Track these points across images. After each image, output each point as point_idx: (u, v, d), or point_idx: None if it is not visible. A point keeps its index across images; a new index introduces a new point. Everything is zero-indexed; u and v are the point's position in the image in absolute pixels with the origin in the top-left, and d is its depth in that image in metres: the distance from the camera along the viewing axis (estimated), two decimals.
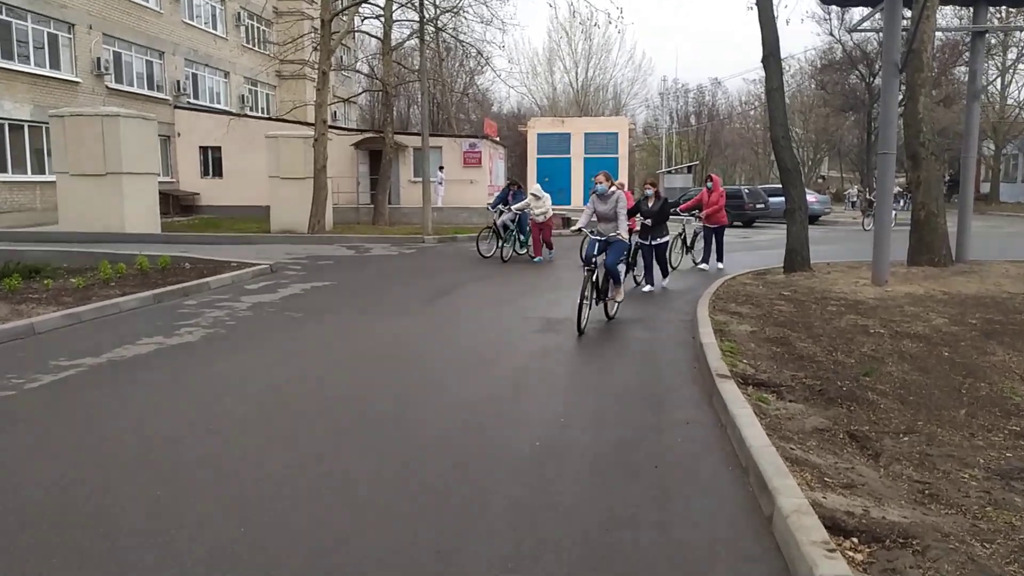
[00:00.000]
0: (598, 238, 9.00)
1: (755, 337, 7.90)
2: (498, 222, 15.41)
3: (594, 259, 8.58)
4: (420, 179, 23.76)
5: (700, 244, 14.75)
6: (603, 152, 37.05)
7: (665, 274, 11.95)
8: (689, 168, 47.71)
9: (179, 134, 30.03)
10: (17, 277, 10.27)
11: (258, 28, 37.30)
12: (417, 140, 26.80)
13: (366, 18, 26.86)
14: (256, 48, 36.62)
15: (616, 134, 37.62)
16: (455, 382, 6.47)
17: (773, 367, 6.69)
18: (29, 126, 22.70)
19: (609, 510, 3.94)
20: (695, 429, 5.21)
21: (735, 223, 28.44)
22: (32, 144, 23.00)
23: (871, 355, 7.07)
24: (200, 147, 30.07)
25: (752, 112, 60.21)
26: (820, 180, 23.49)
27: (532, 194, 15.51)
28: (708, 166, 63.10)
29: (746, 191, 29.98)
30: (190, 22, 31.18)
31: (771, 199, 28.56)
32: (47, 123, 20.48)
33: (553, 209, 20.91)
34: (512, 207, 15.62)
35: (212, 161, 30.40)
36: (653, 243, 11.52)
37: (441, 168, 29.56)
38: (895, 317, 8.84)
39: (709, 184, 14.14)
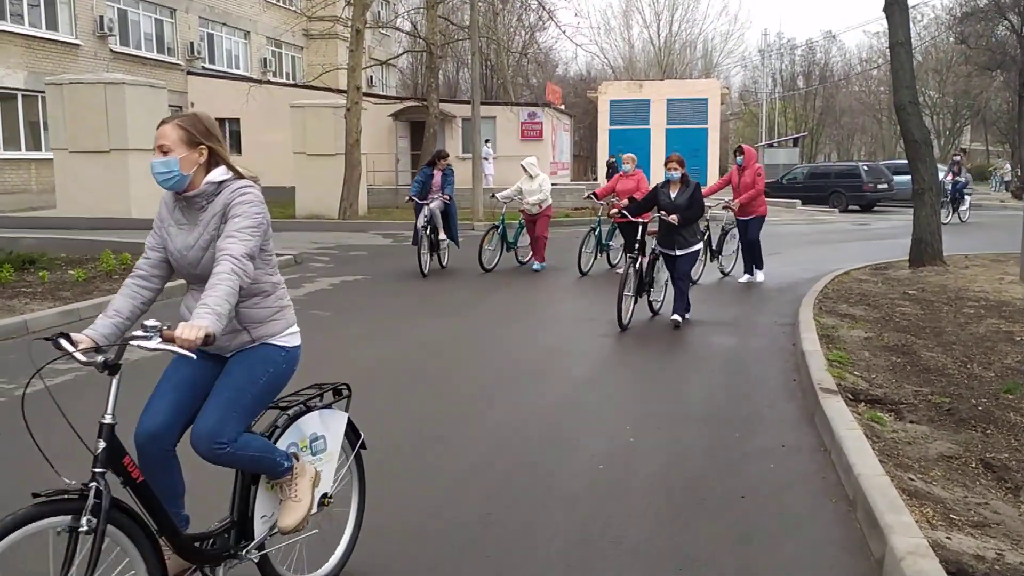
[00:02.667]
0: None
1: (870, 344, 7.77)
2: (418, 223, 12.66)
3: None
4: (470, 155, 23.95)
5: (732, 245, 12.72)
6: (689, 122, 36.69)
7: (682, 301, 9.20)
8: (795, 141, 46.98)
9: (192, 104, 30.89)
10: (8, 268, 10.73)
11: None
12: (466, 109, 26.96)
13: None
14: (281, 4, 37.42)
15: (705, 100, 37.20)
16: (500, 398, 6.53)
17: (891, 381, 6.57)
18: (23, 95, 23.67)
19: (682, 549, 3.93)
20: (791, 454, 5.16)
21: (851, 206, 28.01)
22: (26, 116, 23.98)
23: (1016, 368, 6.88)
24: (216, 119, 30.77)
25: (875, 72, 58.85)
26: (960, 154, 22.91)
27: (524, 168, 13.19)
28: (819, 137, 62.08)
29: (864, 168, 29.41)
30: None
31: (896, 177, 27.92)
32: (43, 92, 21.31)
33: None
34: (435, 197, 12.85)
35: (230, 135, 31.19)
36: (679, 253, 8.99)
37: (487, 142, 29.72)
38: None
39: (739, 159, 11.88)
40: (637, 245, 9.02)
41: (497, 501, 4.44)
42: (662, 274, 9.50)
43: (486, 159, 29.19)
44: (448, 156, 13.57)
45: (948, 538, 3.78)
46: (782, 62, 60.99)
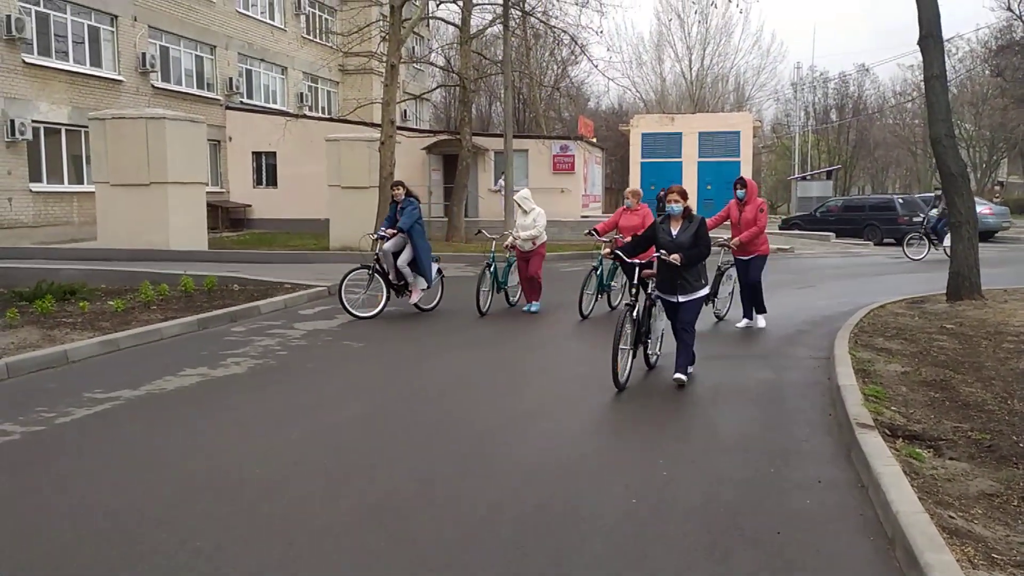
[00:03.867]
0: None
1: (907, 379, 7.66)
2: (380, 257, 11.65)
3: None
4: (501, 188, 24.08)
5: (729, 287, 11.63)
6: (722, 155, 36.64)
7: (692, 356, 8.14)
8: (829, 174, 46.61)
9: (230, 138, 31.43)
10: (50, 299, 10.93)
11: (320, 16, 38.80)
12: (499, 142, 27.21)
13: (442, 2, 27.58)
14: (317, 39, 38.06)
15: (738, 133, 37.14)
16: (533, 428, 6.52)
17: (930, 416, 6.47)
18: (67, 130, 24.22)
19: None
20: (828, 489, 5.08)
21: (886, 240, 27.73)
22: (70, 150, 24.51)
23: None
24: (253, 152, 31.38)
25: (909, 105, 58.46)
26: (997, 187, 22.47)
27: (517, 204, 12.07)
28: (852, 170, 61.64)
29: (900, 201, 29.15)
30: (245, 12, 32.72)
31: (932, 211, 27.61)
32: (86, 127, 21.81)
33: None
34: (385, 230, 11.74)
35: (266, 168, 31.67)
36: (681, 299, 7.78)
37: (503, 174, 29.81)
38: None
39: (740, 192, 10.76)
40: (634, 289, 7.83)
41: (532, 532, 4.41)
42: (659, 322, 8.23)
43: (501, 191, 29.33)
44: (400, 185, 11.96)
45: None
46: (815, 95, 60.72)
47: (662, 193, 10.81)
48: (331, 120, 33.02)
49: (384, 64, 22.79)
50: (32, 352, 8.54)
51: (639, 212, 11.40)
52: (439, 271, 12.32)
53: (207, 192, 22.82)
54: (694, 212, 7.94)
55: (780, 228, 22.29)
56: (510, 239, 11.97)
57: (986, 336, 9.62)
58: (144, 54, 26.69)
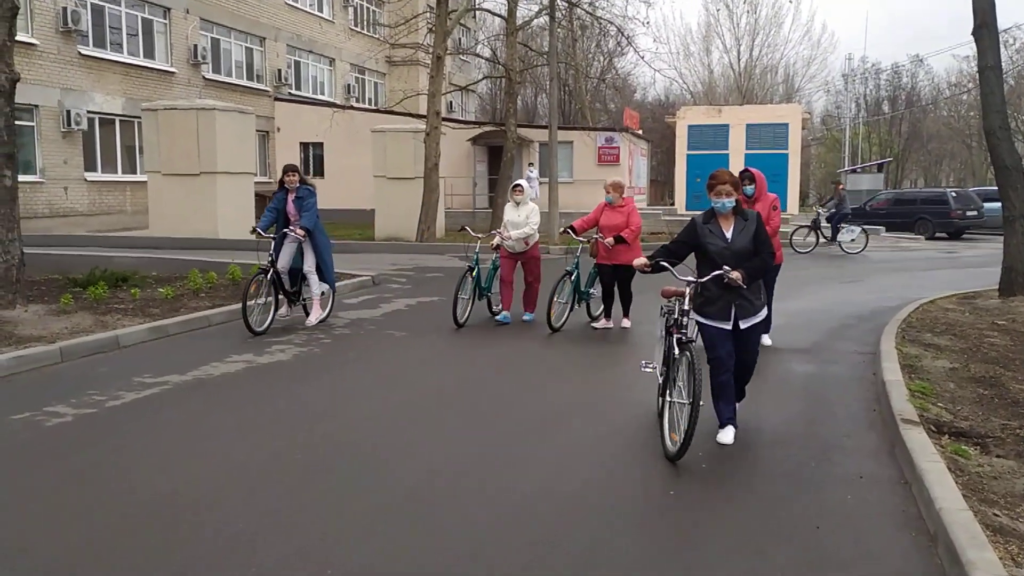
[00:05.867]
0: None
1: (956, 375, 7.53)
2: (277, 263, 9.99)
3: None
4: (547, 179, 24.06)
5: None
6: (770, 147, 36.17)
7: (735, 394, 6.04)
8: (880, 167, 45.83)
9: (278, 129, 31.81)
10: (103, 285, 11.18)
11: (368, 8, 39.04)
12: (544, 134, 27.14)
13: None
14: (365, 31, 38.33)
15: (786, 125, 36.63)
16: (574, 420, 6.53)
17: (978, 413, 6.35)
18: (120, 120, 24.72)
19: (755, 573, 3.88)
20: (870, 485, 5.02)
21: (938, 234, 27.20)
22: (123, 141, 25.02)
23: None
24: (300, 143, 31.71)
25: (964, 96, 57.23)
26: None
27: (510, 193, 10.59)
28: (905, 163, 60.52)
29: (953, 195, 28.54)
30: (294, 4, 33.06)
31: (987, 205, 27.03)
32: (139, 117, 22.24)
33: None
34: (292, 228, 9.93)
35: (313, 159, 31.99)
36: (743, 326, 5.69)
37: (531, 165, 29.67)
38: None
39: (749, 188, 8.29)
40: (674, 315, 5.74)
41: (565, 521, 4.43)
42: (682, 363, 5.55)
43: (528, 181, 29.25)
44: (295, 170, 10.25)
45: None
46: (866, 86, 59.85)
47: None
48: (377, 111, 33.24)
49: (430, 56, 22.89)
50: (85, 337, 8.75)
51: (623, 209, 9.78)
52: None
53: (255, 182, 23.12)
54: (747, 208, 6.03)
55: (828, 221, 22.12)
56: (497, 238, 10.31)
57: None
58: (196, 46, 27.12)
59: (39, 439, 5.82)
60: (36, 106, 21.49)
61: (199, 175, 20.49)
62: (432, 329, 10.10)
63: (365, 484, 5.00)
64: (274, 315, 9.91)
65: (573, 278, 10.14)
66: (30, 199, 20.78)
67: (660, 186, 48.69)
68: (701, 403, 5.17)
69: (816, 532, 4.34)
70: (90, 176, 23.58)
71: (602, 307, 10.29)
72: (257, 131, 25.66)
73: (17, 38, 11.05)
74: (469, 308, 10.41)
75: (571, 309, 10.20)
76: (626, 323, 10.27)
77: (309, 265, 10.12)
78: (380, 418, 6.48)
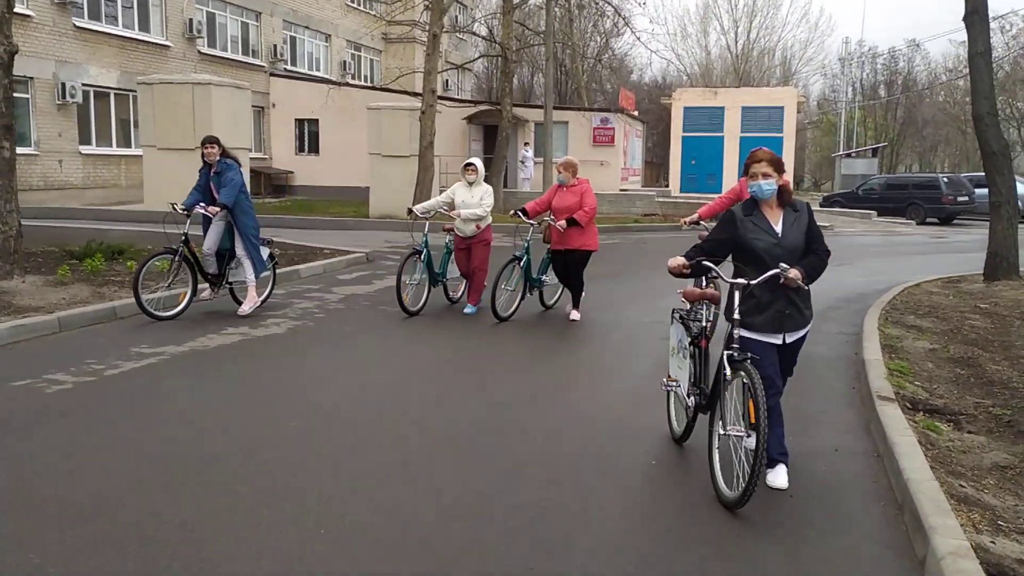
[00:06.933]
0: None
1: (935, 356, 7.73)
2: (205, 249, 9.43)
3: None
4: (541, 159, 24.17)
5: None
6: (764, 130, 36.27)
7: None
8: (874, 151, 45.97)
9: (274, 105, 31.77)
10: (99, 257, 11.31)
11: None
12: (539, 114, 27.23)
13: None
14: (361, 8, 38.19)
15: (781, 108, 36.75)
16: (571, 390, 6.71)
17: (953, 392, 6.56)
18: (115, 94, 24.69)
19: (725, 541, 4.07)
20: (844, 458, 5.23)
21: (929, 219, 27.39)
22: (118, 114, 24.99)
23: None
24: (296, 120, 31.70)
25: (961, 82, 57.13)
26: None
27: (464, 173, 9.92)
28: (900, 148, 60.63)
29: (944, 180, 28.73)
30: None
31: (978, 190, 27.22)
32: (134, 91, 22.22)
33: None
34: (203, 206, 9.21)
35: (308, 136, 31.99)
36: (790, 340, 4.79)
37: (527, 145, 29.77)
38: None
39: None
40: (706, 322, 5.21)
41: (563, 480, 4.62)
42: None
43: (523, 162, 29.36)
44: (214, 142, 9.64)
45: (992, 542, 3.84)
46: (863, 71, 59.76)
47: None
48: (373, 89, 33.20)
49: (427, 33, 22.91)
50: (82, 308, 8.89)
51: (576, 188, 9.30)
52: (271, 256, 9.91)
53: (250, 158, 23.16)
54: (792, 192, 4.99)
55: (821, 206, 22.02)
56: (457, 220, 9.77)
57: (1020, 316, 9.62)
58: (191, 20, 27.04)
59: (40, 404, 5.98)
60: (31, 78, 21.47)
61: (194, 150, 20.45)
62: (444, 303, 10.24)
63: (358, 448, 5.19)
64: (191, 298, 9.19)
65: (522, 263, 9.49)
66: (25, 172, 20.78)
67: (655, 168, 48.80)
68: (748, 434, 4.33)
69: (791, 501, 4.54)
70: (85, 149, 23.59)
71: (559, 294, 10.00)
72: (253, 107, 25.65)
73: (14, 10, 11.12)
74: (425, 295, 9.81)
75: (521, 297, 9.66)
76: (575, 315, 9.50)
77: (242, 250, 9.38)
78: (367, 389, 6.66)
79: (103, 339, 8.06)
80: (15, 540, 3.88)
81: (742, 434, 4.39)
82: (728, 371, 4.54)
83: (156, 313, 8.86)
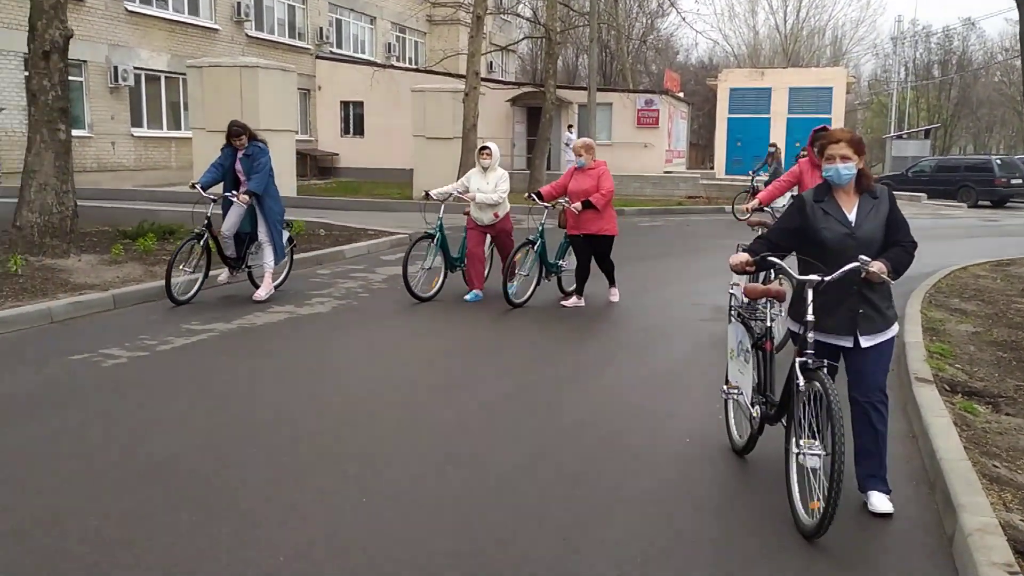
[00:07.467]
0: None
1: (978, 339, 7.69)
2: (223, 231, 9.28)
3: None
4: None
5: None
6: (812, 111, 35.71)
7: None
8: (927, 132, 45.08)
9: (319, 87, 32.12)
10: (152, 237, 11.65)
11: None
12: (583, 95, 27.15)
13: None
14: None
15: (830, 89, 36.14)
16: (600, 371, 6.82)
17: (994, 375, 6.54)
18: (166, 77, 25.19)
19: (763, 510, 4.16)
20: None
21: (981, 202, 26.88)
22: (168, 97, 25.50)
23: None
24: (341, 102, 32.03)
25: (1018, 62, 55.79)
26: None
27: (477, 157, 9.66)
28: (953, 129, 59.39)
29: (998, 162, 28.15)
30: None
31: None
32: (184, 74, 22.65)
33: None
34: (234, 193, 9.16)
35: (353, 118, 32.32)
36: (865, 344, 4.31)
37: (570, 127, 29.65)
38: None
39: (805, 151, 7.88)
40: (768, 319, 4.64)
41: (587, 463, 4.75)
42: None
43: (567, 144, 29.27)
44: (245, 130, 9.34)
45: (1022, 520, 3.87)
46: (916, 50, 58.51)
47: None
48: (417, 71, 33.39)
49: (471, 15, 22.98)
50: (136, 286, 9.20)
51: (594, 171, 9.01)
52: (290, 240, 9.73)
53: (296, 140, 23.48)
54: (872, 177, 4.43)
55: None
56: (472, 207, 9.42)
57: None
58: (239, 3, 27.42)
59: (97, 377, 6.25)
60: (84, 62, 21.99)
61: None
62: (465, 286, 10.37)
63: (401, 422, 5.36)
64: (203, 282, 9.11)
65: (537, 247, 9.22)
66: (79, 153, 21.27)
67: (700, 150, 48.44)
68: (827, 452, 3.89)
69: None
70: (136, 131, 24.11)
71: (575, 283, 9.38)
72: (298, 89, 25.97)
73: None
74: (441, 280, 9.60)
75: (536, 283, 9.41)
76: (614, 295, 9.40)
77: (264, 235, 9.21)
78: (409, 365, 6.83)
79: (155, 316, 8.33)
80: (76, 505, 4.10)
81: (819, 453, 3.92)
82: (801, 380, 4.05)
83: (177, 298, 8.72)
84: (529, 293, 9.31)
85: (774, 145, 20.36)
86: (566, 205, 8.95)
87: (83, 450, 4.81)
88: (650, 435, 5.27)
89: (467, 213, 9.51)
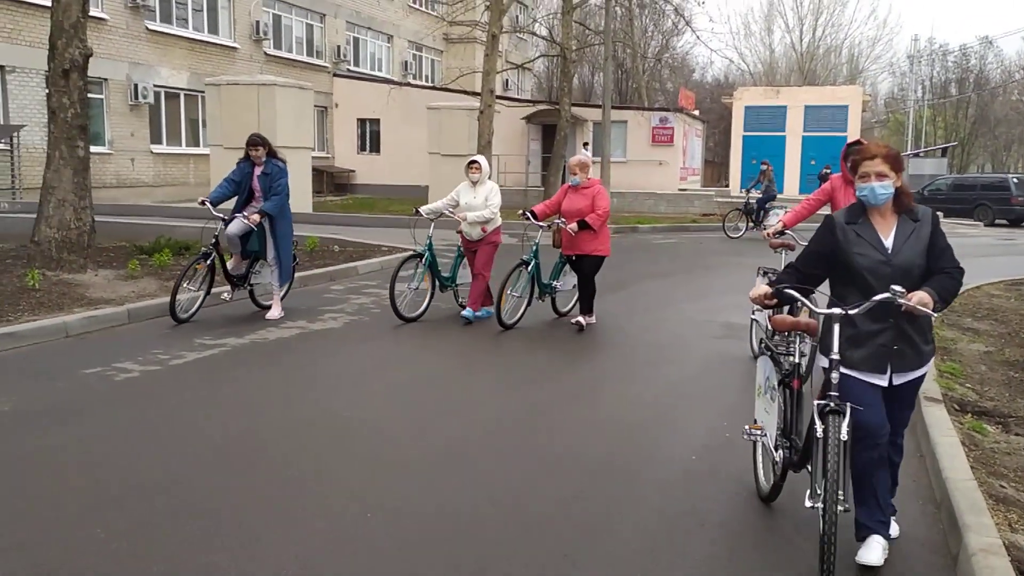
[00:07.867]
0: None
1: (989, 359, 7.64)
2: (227, 241, 9.07)
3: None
4: (599, 158, 24.20)
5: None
6: (828, 129, 35.63)
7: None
8: (944, 151, 44.85)
9: (336, 105, 32.38)
10: (167, 253, 11.76)
11: None
12: (598, 113, 27.23)
13: None
14: (423, 8, 38.65)
15: (846, 107, 36.04)
16: (620, 383, 6.83)
17: (1004, 395, 6.50)
18: (185, 95, 25.47)
19: (764, 531, 4.15)
20: None
21: (998, 221, 26.73)
22: (187, 114, 25.79)
23: None
24: (358, 119, 32.27)
25: None
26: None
27: (467, 172, 9.37)
28: (970, 148, 59.06)
29: (1015, 180, 28.00)
30: None
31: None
32: (203, 92, 22.90)
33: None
34: (245, 213, 8.96)
35: (370, 135, 32.55)
36: (897, 382, 3.85)
37: (585, 144, 29.71)
38: None
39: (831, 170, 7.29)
40: (799, 357, 4.23)
41: (590, 484, 4.75)
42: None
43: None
44: (259, 143, 9.08)
45: None
46: (932, 68, 58.30)
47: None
48: (433, 88, 33.61)
49: (487, 33, 23.14)
50: (150, 300, 9.28)
51: (588, 190, 8.78)
52: (293, 257, 9.49)
53: (313, 157, 23.66)
54: (913, 199, 3.98)
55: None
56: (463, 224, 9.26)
57: None
58: (258, 22, 27.75)
59: (109, 391, 6.31)
60: (105, 79, 22.28)
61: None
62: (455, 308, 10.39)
63: (405, 435, 5.38)
64: (204, 300, 8.95)
65: (530, 268, 8.98)
66: (99, 170, 21.56)
67: (716, 167, 48.39)
68: (844, 507, 3.54)
69: None
70: (156, 148, 24.38)
71: (574, 302, 9.25)
72: (316, 107, 26.22)
73: (89, 13, 11.60)
74: (427, 301, 9.38)
75: (527, 304, 9.10)
76: (590, 319, 9.00)
77: (272, 257, 9.07)
78: (418, 382, 6.86)
79: (169, 331, 8.40)
80: (83, 516, 4.14)
81: (843, 508, 3.52)
82: (819, 427, 3.59)
83: (179, 316, 8.61)
84: (521, 313, 9.03)
85: (765, 163, 20.45)
86: (562, 225, 8.71)
87: (92, 461, 4.86)
88: (656, 451, 5.27)
89: (460, 232, 9.39)
